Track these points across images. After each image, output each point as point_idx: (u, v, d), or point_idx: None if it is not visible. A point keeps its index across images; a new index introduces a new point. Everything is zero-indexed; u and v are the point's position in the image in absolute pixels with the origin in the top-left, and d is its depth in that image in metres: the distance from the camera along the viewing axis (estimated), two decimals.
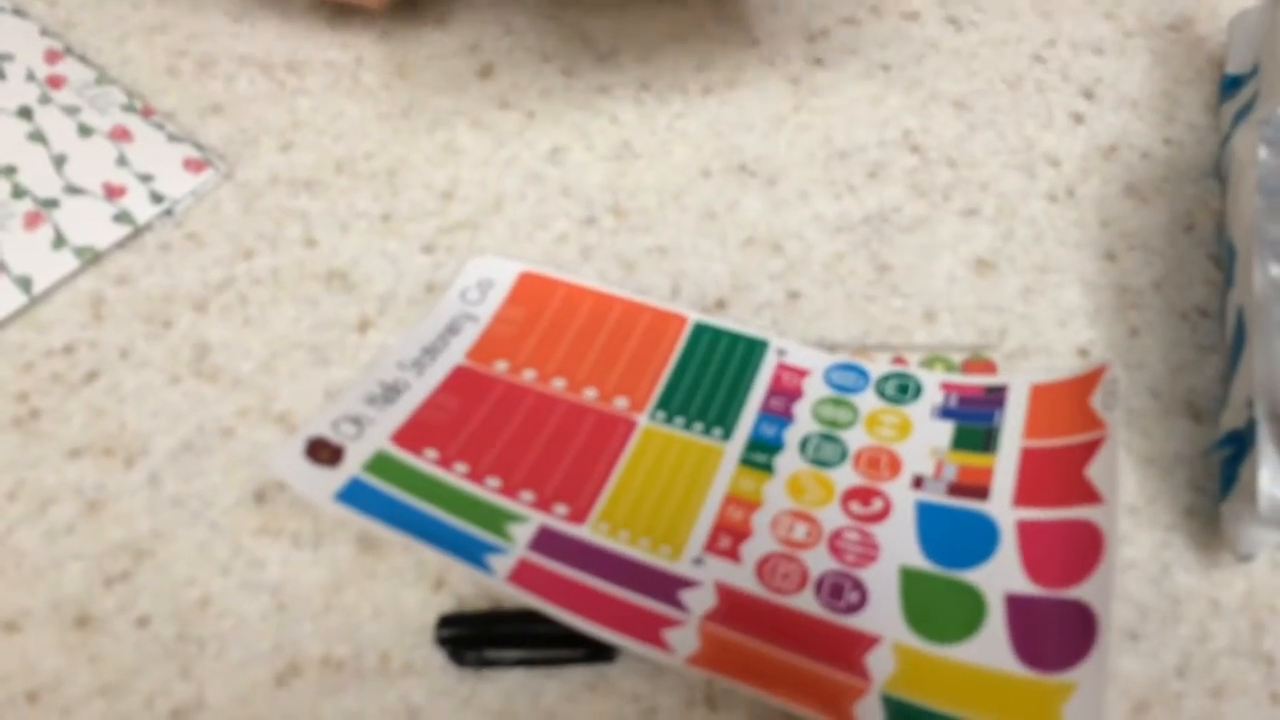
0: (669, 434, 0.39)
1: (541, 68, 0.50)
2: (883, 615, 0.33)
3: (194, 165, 0.45)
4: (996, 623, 0.33)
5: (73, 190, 0.43)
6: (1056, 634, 0.32)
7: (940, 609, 0.33)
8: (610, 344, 0.41)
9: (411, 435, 0.37)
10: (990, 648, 0.32)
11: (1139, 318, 0.43)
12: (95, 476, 0.38)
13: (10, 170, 0.44)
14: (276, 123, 0.47)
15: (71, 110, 0.46)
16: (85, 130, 0.45)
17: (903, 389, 0.40)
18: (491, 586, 0.34)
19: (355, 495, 0.34)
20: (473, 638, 0.35)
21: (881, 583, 0.34)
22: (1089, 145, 0.48)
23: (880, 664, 0.32)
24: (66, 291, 0.42)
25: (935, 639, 0.33)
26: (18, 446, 0.38)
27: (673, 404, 0.39)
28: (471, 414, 0.38)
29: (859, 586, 0.34)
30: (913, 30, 0.52)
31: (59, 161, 0.44)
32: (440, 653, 0.35)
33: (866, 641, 0.32)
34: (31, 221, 0.42)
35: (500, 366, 0.40)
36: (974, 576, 0.34)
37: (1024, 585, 0.33)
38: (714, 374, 0.40)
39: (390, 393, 0.38)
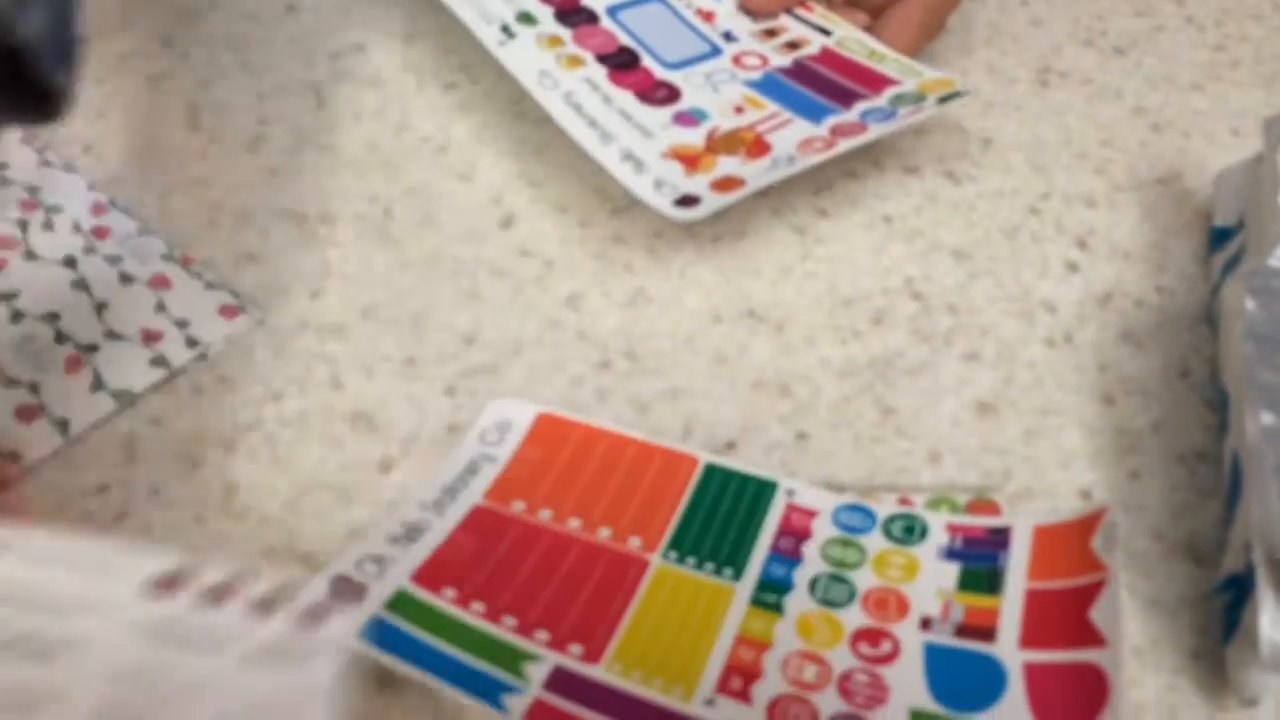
0: (681, 574, 0.39)
1: (560, 218, 0.52)
2: None
3: (229, 311, 0.47)
4: None
5: (112, 336, 0.46)
6: None
7: None
8: (625, 484, 0.42)
9: (431, 574, 0.38)
10: None
11: (1139, 461, 0.44)
12: None
13: (53, 317, 0.46)
14: (308, 271, 0.50)
15: (114, 260, 0.48)
16: (126, 279, 0.47)
17: (909, 530, 0.41)
18: None
19: (377, 633, 0.35)
20: None
21: None
22: (1084, 293, 0.50)
23: None
24: (102, 433, 0.44)
25: None
26: None
27: (685, 544, 0.40)
28: (489, 553, 0.39)
29: None
30: (913, 183, 0.55)
31: (100, 308, 0.46)
32: None
33: None
34: (72, 366, 0.44)
35: (518, 506, 0.41)
36: (982, 719, 0.34)
37: None
38: (725, 514, 0.41)
39: (412, 532, 0.39)
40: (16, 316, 0.46)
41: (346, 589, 0.36)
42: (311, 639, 0.28)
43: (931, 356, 0.47)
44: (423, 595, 0.37)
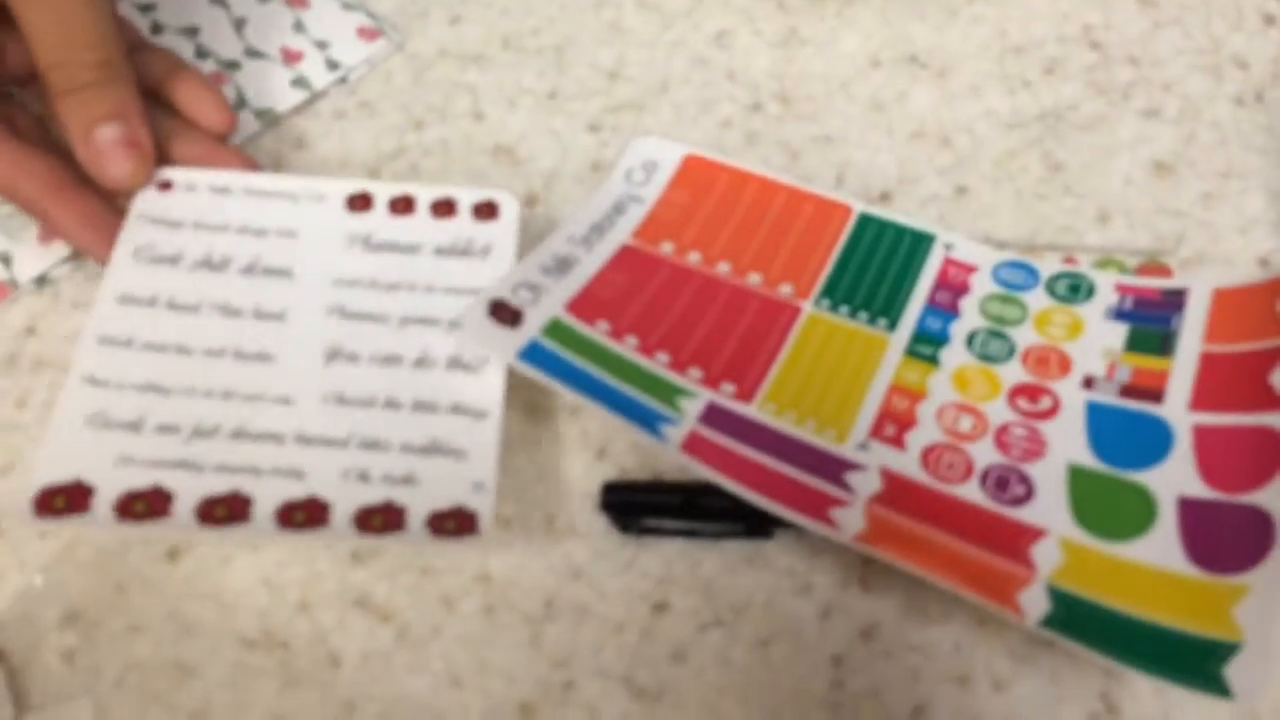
0: (834, 322, 0.39)
1: None
2: (1049, 510, 0.33)
3: (367, 34, 0.45)
4: (1168, 524, 0.32)
5: (252, 53, 0.44)
6: (1231, 538, 0.31)
7: (1109, 507, 0.33)
8: (774, 230, 0.41)
9: (584, 306, 0.38)
10: (1160, 548, 0.32)
11: None
12: None
13: (193, 31, 0.45)
14: None
15: None
16: None
17: (1074, 289, 0.39)
18: (665, 455, 0.35)
19: (535, 356, 0.35)
20: (636, 505, 0.36)
21: (1049, 478, 0.34)
22: None
23: (1046, 556, 0.32)
24: (248, 149, 0.43)
25: (1103, 536, 0.32)
26: None
27: (837, 293, 0.39)
28: (639, 292, 0.39)
29: (1025, 480, 0.34)
30: None
31: (239, 25, 0.45)
32: (602, 518, 0.36)
33: (1032, 534, 0.33)
34: (215, 82, 0.43)
35: (666, 248, 0.40)
36: (1145, 478, 0.34)
37: (1199, 489, 0.33)
38: (879, 265, 0.40)
39: (563, 265, 0.39)
40: (156, 29, 0.45)
41: (503, 312, 0.36)
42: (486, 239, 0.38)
43: (1108, 110, 0.44)
44: (577, 325, 0.37)
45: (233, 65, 0.44)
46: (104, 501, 0.32)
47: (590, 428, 0.38)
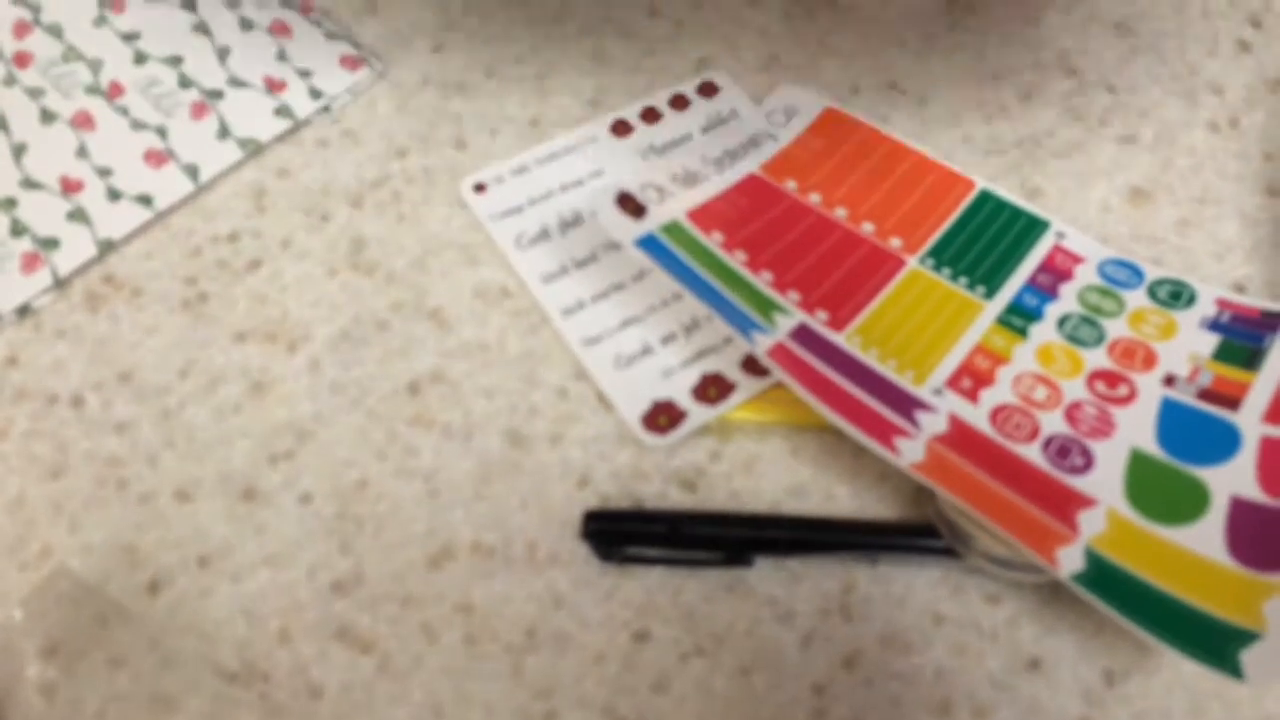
0: (934, 279, 0.40)
1: None
2: (1104, 484, 0.34)
3: (350, 62, 0.46)
4: (1216, 518, 0.33)
5: (236, 83, 0.45)
6: (1276, 541, 0.32)
7: (1162, 493, 0.34)
8: (896, 189, 0.43)
9: (704, 216, 0.41)
10: (1203, 538, 0.33)
11: None
12: (260, 360, 0.39)
13: (177, 60, 0.45)
14: (429, 23, 0.48)
15: (233, 3, 0.47)
16: (246, 24, 0.46)
17: (1175, 295, 0.40)
18: (753, 355, 0.38)
19: (651, 246, 0.39)
20: (618, 534, 0.36)
21: (1109, 456, 0.35)
22: (1255, 76, 0.47)
23: (1091, 522, 0.33)
24: (230, 181, 0.43)
25: (1150, 516, 0.33)
26: (188, 328, 0.40)
27: (944, 255, 0.41)
28: (757, 216, 0.42)
29: (1086, 453, 0.35)
30: None
31: (222, 54, 0.45)
32: (584, 547, 0.36)
33: (1082, 501, 0.34)
34: (198, 111, 0.44)
35: (790, 184, 0.43)
36: (1204, 473, 0.34)
37: (1254, 492, 0.34)
38: (990, 238, 0.42)
39: (690, 178, 0.42)
40: (140, 58, 0.45)
41: (629, 204, 0.40)
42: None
43: (1085, 137, 0.45)
44: (694, 230, 0.40)
45: (216, 94, 0.44)
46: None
47: (571, 455, 0.38)
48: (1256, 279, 0.41)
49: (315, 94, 0.45)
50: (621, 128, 0.45)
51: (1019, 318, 0.39)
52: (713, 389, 0.38)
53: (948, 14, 0.48)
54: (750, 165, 0.43)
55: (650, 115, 0.45)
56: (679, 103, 0.45)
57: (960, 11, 0.48)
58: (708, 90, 0.46)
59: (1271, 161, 0.44)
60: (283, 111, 0.44)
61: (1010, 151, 0.44)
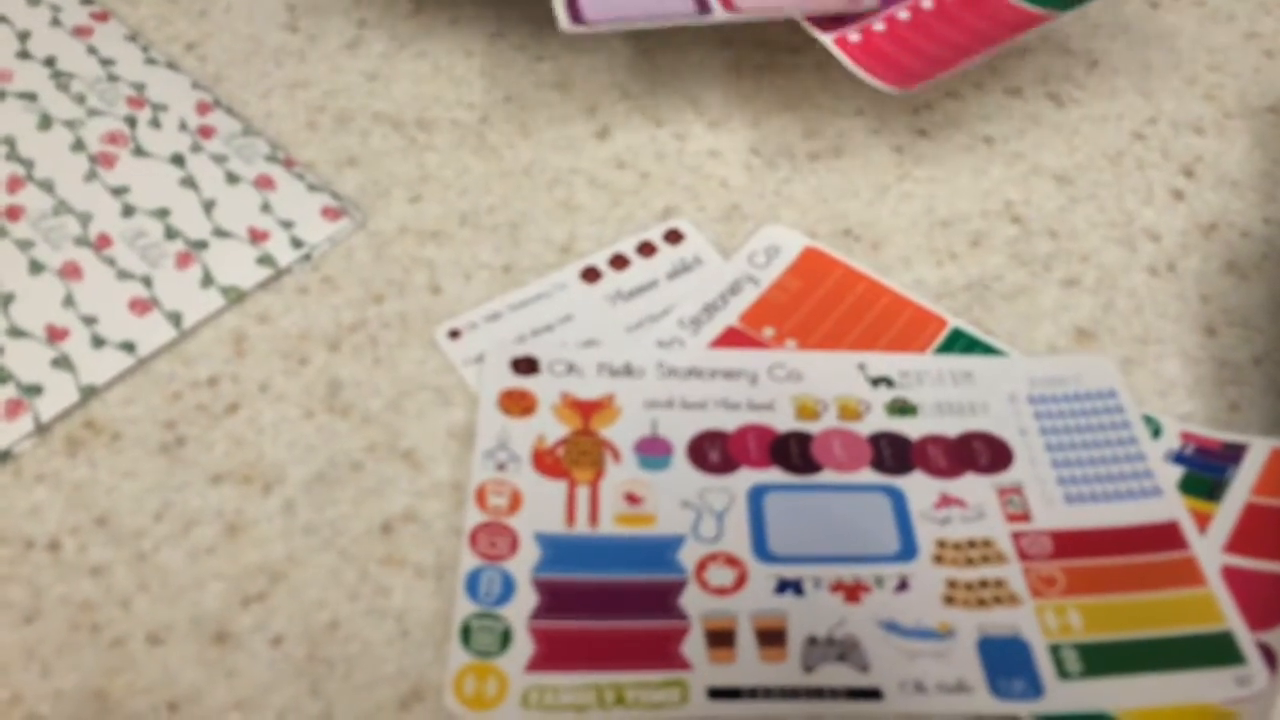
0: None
1: (656, 132, 0.52)
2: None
3: (331, 213, 0.48)
4: None
5: (220, 233, 0.46)
6: None
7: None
8: (872, 327, 0.45)
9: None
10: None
11: (1239, 393, 0.44)
12: (235, 502, 0.40)
13: (164, 212, 0.47)
14: (406, 176, 0.50)
15: (220, 159, 0.49)
16: (232, 178, 0.48)
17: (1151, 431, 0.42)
18: None
19: None
20: None
21: None
22: (1189, 222, 0.49)
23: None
24: (212, 328, 0.45)
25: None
26: (165, 471, 0.41)
27: None
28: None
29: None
30: (1015, 105, 0.54)
31: (208, 206, 0.47)
32: None
33: None
34: (183, 261, 0.45)
35: (767, 333, 0.44)
36: None
37: None
38: None
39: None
40: (128, 211, 0.47)
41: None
42: None
43: (1030, 281, 0.47)
44: None
45: (201, 245, 0.46)
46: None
47: None
48: (1199, 415, 0.43)
49: (297, 243, 0.47)
50: (591, 274, 0.47)
51: None
52: None
53: (898, 166, 0.51)
54: (729, 318, 0.45)
55: (619, 262, 0.47)
56: (646, 249, 0.47)
57: (910, 164, 0.51)
58: (673, 238, 0.48)
59: (1208, 303, 0.47)
60: (265, 260, 0.46)
61: (960, 294, 0.47)
